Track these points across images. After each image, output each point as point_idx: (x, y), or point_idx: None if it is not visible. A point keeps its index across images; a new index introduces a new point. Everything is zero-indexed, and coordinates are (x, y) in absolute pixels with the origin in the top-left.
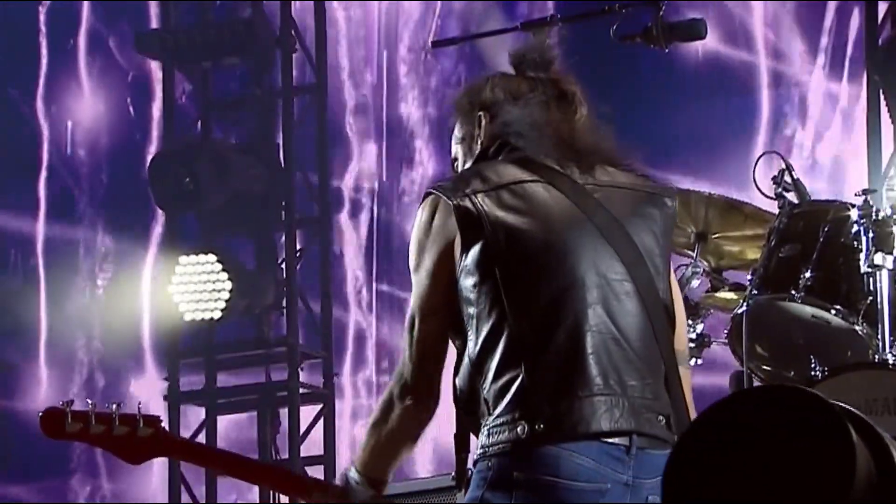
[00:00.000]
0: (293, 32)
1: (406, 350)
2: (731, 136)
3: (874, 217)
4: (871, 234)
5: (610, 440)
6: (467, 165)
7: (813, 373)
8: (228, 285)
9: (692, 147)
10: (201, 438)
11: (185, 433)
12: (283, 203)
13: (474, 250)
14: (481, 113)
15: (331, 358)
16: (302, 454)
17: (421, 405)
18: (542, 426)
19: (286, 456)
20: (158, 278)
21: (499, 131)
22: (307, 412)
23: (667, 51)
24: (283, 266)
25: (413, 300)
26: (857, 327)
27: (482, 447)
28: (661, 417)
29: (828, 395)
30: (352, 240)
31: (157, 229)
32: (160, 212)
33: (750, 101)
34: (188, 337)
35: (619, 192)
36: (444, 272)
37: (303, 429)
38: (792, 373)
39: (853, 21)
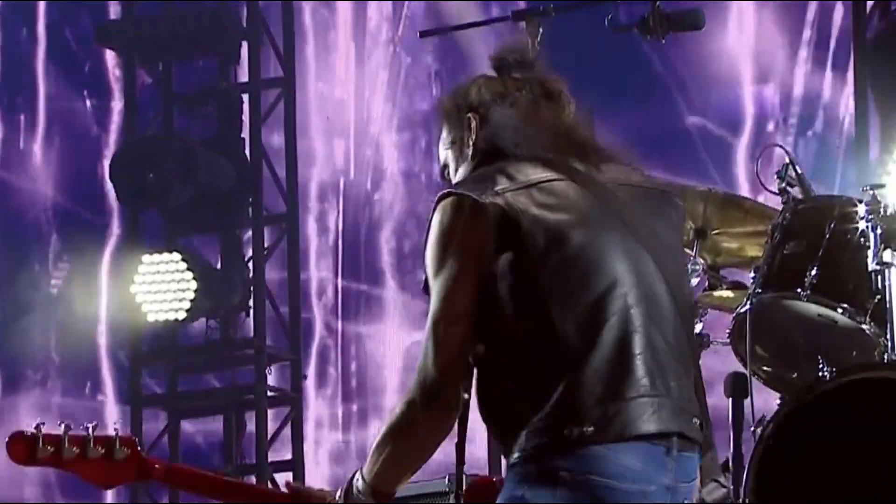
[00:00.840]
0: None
1: (429, 357)
2: (714, 132)
3: (882, 213)
4: (879, 231)
5: (655, 442)
6: (461, 169)
7: (820, 374)
8: (193, 285)
9: (672, 143)
10: (164, 443)
11: (148, 438)
12: (250, 200)
13: (510, 252)
14: (470, 115)
15: (299, 360)
16: (269, 459)
17: (447, 414)
18: (590, 428)
19: (253, 461)
20: (120, 278)
21: (494, 132)
22: (274, 416)
23: (664, 42)
24: (250, 265)
25: (437, 305)
26: (864, 327)
27: (522, 450)
28: (696, 420)
29: (835, 397)
30: (317, 239)
31: (114, 227)
32: (116, 209)
33: (733, 97)
34: (151, 338)
35: (637, 191)
36: (472, 275)
37: (270, 433)
38: (795, 374)
39: (836, 14)
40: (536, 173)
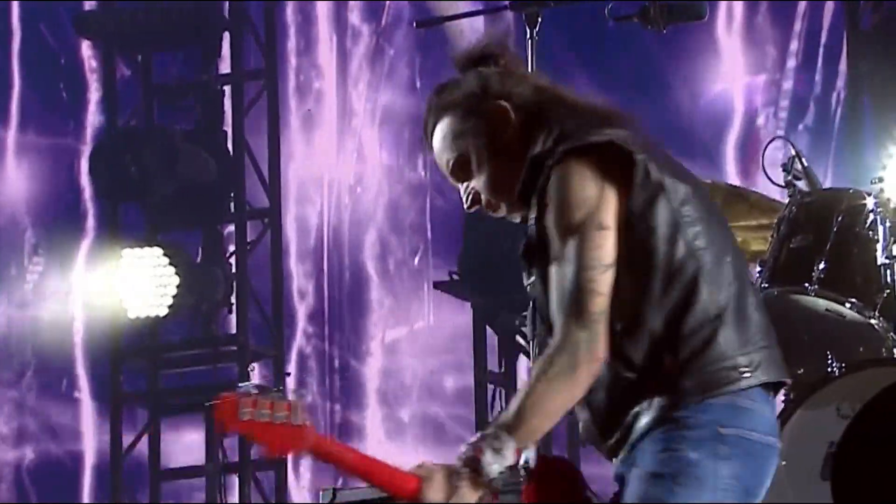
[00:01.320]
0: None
1: (584, 304)
2: (704, 126)
3: (891, 205)
4: (888, 224)
5: (772, 395)
6: (498, 157)
7: (829, 370)
8: (175, 280)
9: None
10: (144, 442)
11: (128, 437)
12: (233, 194)
13: (657, 203)
14: (500, 102)
15: (282, 357)
16: (251, 457)
17: (601, 363)
18: (744, 373)
19: (236, 460)
20: (99, 272)
21: (550, 114)
22: None
23: (664, 32)
24: (232, 260)
25: (585, 253)
26: (873, 321)
27: (673, 401)
28: None
29: (844, 393)
30: (298, 236)
31: (90, 221)
32: (93, 203)
33: (722, 90)
34: (131, 335)
35: None
36: (614, 224)
37: None
38: (801, 370)
39: (827, 6)
40: (631, 136)
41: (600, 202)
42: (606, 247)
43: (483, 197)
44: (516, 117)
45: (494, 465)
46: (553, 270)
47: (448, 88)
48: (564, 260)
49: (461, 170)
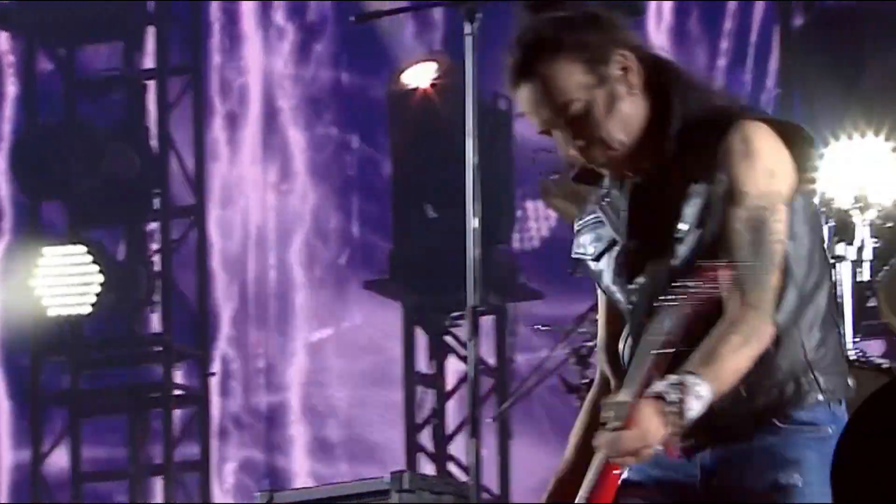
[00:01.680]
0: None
1: (769, 278)
2: None
3: (833, 205)
4: (831, 224)
5: None
6: (623, 108)
7: None
8: (99, 278)
9: None
10: (65, 444)
11: (49, 438)
12: (157, 191)
13: (810, 196)
14: (627, 52)
15: (207, 357)
16: (175, 459)
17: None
18: (851, 387)
19: (160, 461)
20: (17, 271)
21: (667, 73)
22: (180, 414)
23: None
24: (156, 258)
25: (771, 226)
26: None
27: (801, 403)
28: None
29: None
30: (222, 233)
31: (8, 219)
32: (8, 200)
33: None
34: (51, 333)
35: None
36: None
37: (176, 432)
38: None
39: (757, 5)
40: None
41: (784, 177)
42: (785, 222)
43: (593, 148)
44: (647, 68)
45: (693, 411)
46: (729, 236)
47: (556, 25)
48: (750, 227)
49: (577, 121)
